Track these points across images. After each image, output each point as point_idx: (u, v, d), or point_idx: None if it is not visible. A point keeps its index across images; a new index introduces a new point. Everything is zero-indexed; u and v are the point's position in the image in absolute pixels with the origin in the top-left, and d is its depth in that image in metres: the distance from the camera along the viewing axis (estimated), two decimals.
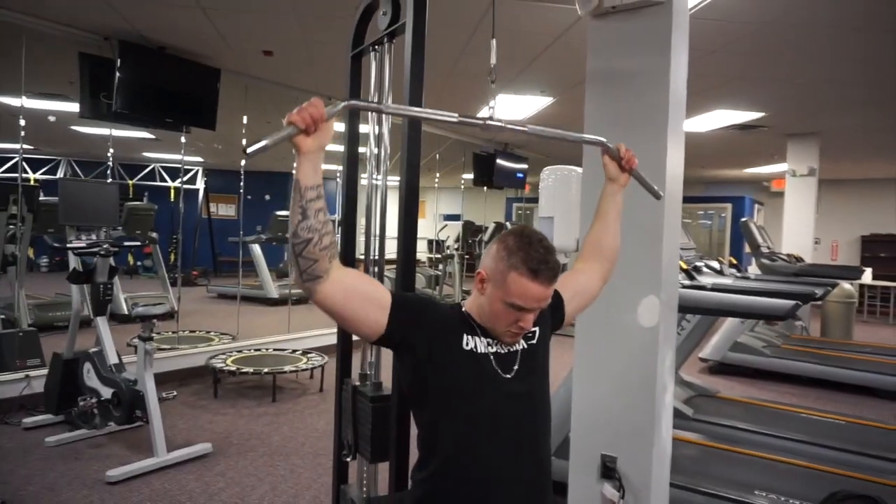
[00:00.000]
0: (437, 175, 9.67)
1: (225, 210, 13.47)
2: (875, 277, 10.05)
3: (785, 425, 3.73)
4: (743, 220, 6.21)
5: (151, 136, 8.73)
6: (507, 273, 1.26)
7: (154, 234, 7.84)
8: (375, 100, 2.22)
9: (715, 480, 2.82)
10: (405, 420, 1.87)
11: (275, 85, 5.73)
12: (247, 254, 11.25)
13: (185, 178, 11.13)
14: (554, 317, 1.52)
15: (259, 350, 5.30)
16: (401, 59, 1.98)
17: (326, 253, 1.16)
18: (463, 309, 1.39)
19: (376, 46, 2.16)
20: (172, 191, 11.79)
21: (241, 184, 6.73)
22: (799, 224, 7.35)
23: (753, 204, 11.53)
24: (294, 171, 1.16)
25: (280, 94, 5.93)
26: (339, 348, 2.43)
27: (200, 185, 12.72)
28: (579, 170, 2.53)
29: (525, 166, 9.47)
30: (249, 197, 14.05)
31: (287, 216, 7.57)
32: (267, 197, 13.44)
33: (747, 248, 6.52)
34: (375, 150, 2.20)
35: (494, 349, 1.35)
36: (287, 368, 4.70)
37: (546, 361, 1.47)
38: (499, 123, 1.41)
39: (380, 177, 2.18)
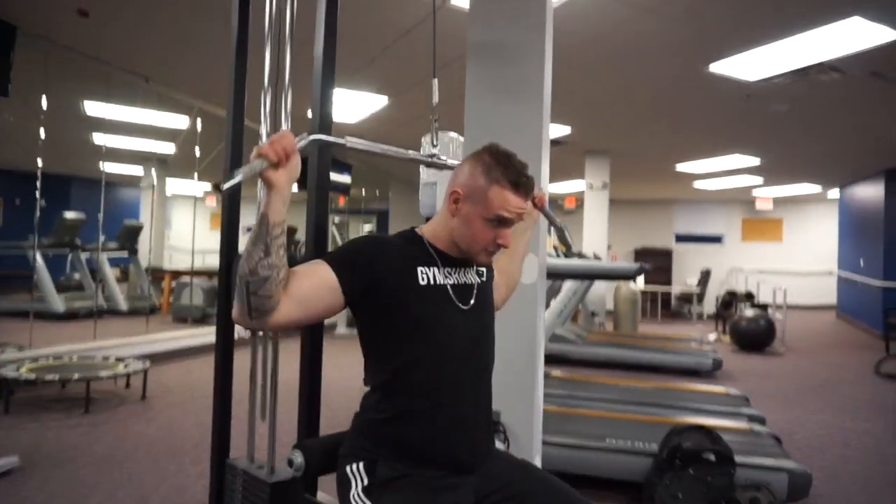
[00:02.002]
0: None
1: None
2: (646, 282, 11.81)
3: (610, 393, 4.23)
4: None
5: None
6: (489, 187, 1.29)
7: None
8: (271, 45, 2.06)
9: (573, 436, 3.09)
10: (316, 375, 1.75)
11: (87, 58, 4.94)
12: (12, 266, 9.58)
13: None
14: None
15: (60, 358, 4.52)
16: (304, 7, 1.88)
17: (281, 285, 1.14)
18: (424, 239, 1.37)
19: None
20: None
21: (38, 185, 5.65)
22: (596, 230, 8.40)
23: None
24: (261, 207, 1.12)
25: (92, 70, 5.15)
26: (216, 419, 2.06)
27: None
28: (461, 137, 2.64)
29: (348, 178, 9.39)
30: (18, 202, 11.98)
31: (76, 218, 6.48)
32: (43, 203, 11.59)
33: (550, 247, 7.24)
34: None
35: (452, 280, 1.36)
36: (104, 374, 4.08)
37: (493, 305, 1.51)
38: (443, 162, 1.57)
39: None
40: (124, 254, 9.35)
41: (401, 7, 3.83)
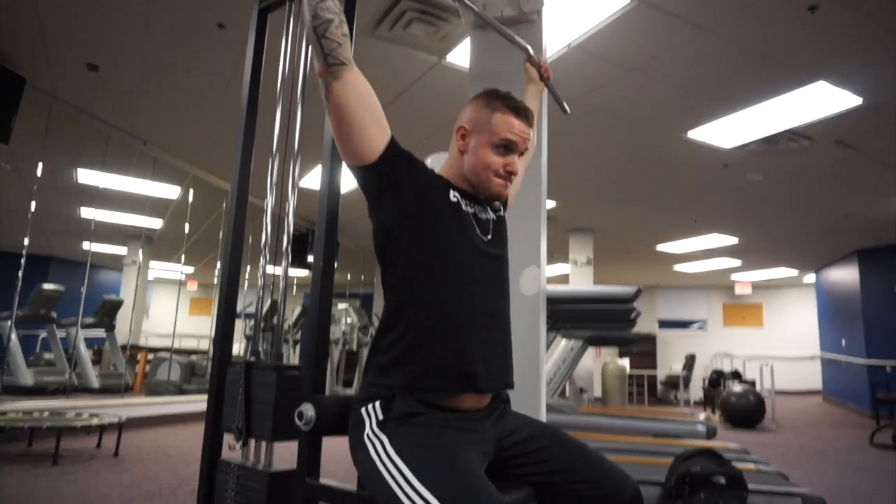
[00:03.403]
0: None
1: None
2: (631, 367, 11.70)
3: (606, 444, 4.09)
4: None
5: None
6: (491, 115, 1.36)
7: None
8: (287, 68, 2.13)
9: None
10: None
11: (89, 117, 5.05)
12: None
13: None
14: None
15: (30, 414, 4.27)
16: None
17: (346, 40, 1.20)
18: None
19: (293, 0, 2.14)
20: None
21: (22, 263, 5.44)
22: None
23: None
24: None
25: (92, 133, 5.24)
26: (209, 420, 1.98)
27: None
28: None
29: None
30: None
31: (54, 290, 6.25)
32: (20, 283, 11.33)
33: None
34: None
35: (473, 210, 1.39)
36: (78, 424, 3.84)
37: (507, 244, 1.51)
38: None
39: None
40: (101, 331, 9.07)
41: (395, 68, 3.99)
